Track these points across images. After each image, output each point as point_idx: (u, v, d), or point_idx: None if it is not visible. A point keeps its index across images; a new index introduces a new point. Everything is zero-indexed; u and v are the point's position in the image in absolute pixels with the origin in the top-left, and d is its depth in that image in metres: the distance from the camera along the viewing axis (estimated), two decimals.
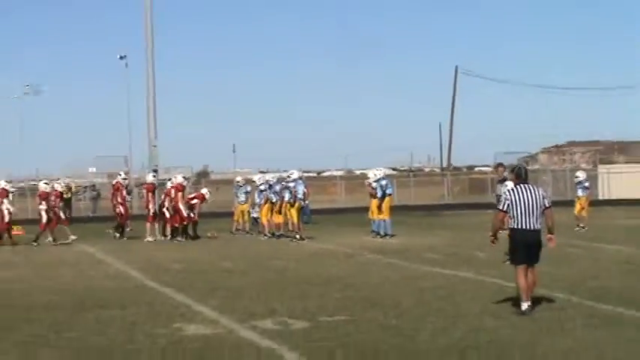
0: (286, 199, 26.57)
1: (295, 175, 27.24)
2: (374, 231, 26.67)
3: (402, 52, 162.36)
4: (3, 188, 27.58)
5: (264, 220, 28.08)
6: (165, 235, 28.10)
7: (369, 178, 28.02)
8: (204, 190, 30.02)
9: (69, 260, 21.61)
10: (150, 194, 28.57)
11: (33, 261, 21.72)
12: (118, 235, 28.40)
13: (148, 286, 16.14)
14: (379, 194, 26.75)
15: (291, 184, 26.70)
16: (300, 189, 26.61)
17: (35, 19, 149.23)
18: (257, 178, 30.92)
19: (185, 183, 29.30)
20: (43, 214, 27.12)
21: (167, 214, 27.78)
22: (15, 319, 12.49)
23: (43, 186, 28.63)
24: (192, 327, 11.40)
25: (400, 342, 10.17)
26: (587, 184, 29.70)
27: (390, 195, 27.23)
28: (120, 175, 30.50)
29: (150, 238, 27.51)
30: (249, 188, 31.02)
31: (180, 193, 27.72)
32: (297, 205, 26.29)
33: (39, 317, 12.58)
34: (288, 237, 26.38)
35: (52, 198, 27.50)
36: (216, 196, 34.45)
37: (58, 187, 28.58)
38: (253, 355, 9.71)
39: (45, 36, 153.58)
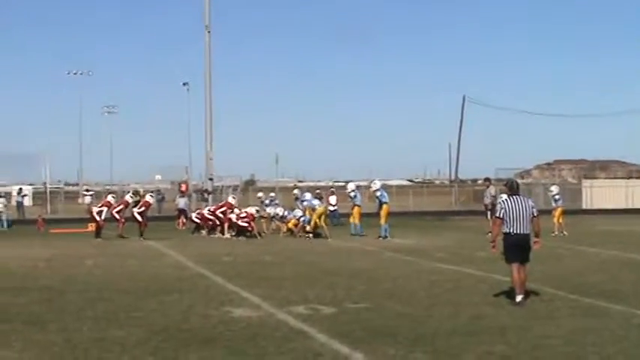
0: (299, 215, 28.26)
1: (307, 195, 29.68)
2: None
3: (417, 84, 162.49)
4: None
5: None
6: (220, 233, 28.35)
7: (370, 187, 27.92)
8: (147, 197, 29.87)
9: (137, 253, 21.74)
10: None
11: (107, 253, 21.85)
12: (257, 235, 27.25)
13: (203, 275, 16.18)
14: (377, 203, 26.70)
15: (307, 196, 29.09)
16: (316, 202, 28.11)
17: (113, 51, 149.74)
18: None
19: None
20: (138, 216, 27.69)
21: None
22: (91, 299, 12.58)
23: (148, 197, 29.53)
24: (239, 310, 11.39)
25: (413, 326, 10.11)
26: (557, 197, 29.30)
27: (386, 203, 26.47)
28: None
29: (227, 235, 27.66)
30: (267, 201, 32.33)
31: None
32: (318, 210, 27.16)
33: (111, 299, 12.67)
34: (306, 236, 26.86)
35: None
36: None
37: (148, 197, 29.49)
38: (289, 334, 9.69)
39: (119, 65, 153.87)
